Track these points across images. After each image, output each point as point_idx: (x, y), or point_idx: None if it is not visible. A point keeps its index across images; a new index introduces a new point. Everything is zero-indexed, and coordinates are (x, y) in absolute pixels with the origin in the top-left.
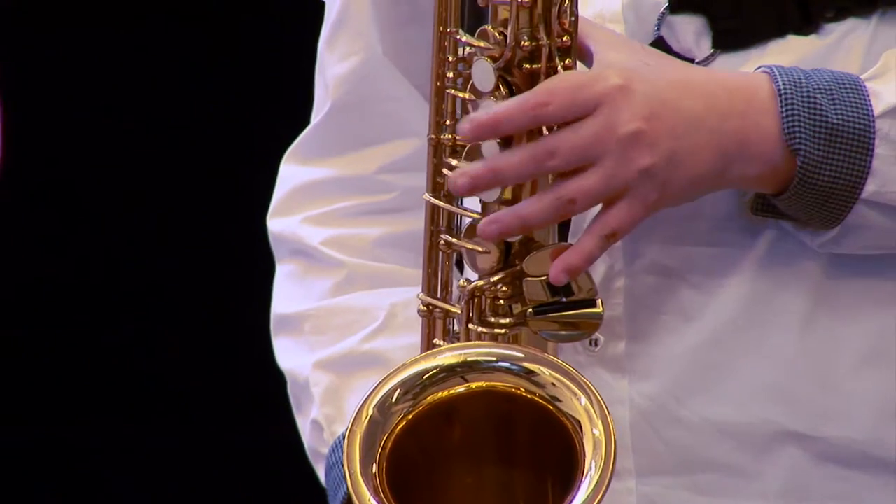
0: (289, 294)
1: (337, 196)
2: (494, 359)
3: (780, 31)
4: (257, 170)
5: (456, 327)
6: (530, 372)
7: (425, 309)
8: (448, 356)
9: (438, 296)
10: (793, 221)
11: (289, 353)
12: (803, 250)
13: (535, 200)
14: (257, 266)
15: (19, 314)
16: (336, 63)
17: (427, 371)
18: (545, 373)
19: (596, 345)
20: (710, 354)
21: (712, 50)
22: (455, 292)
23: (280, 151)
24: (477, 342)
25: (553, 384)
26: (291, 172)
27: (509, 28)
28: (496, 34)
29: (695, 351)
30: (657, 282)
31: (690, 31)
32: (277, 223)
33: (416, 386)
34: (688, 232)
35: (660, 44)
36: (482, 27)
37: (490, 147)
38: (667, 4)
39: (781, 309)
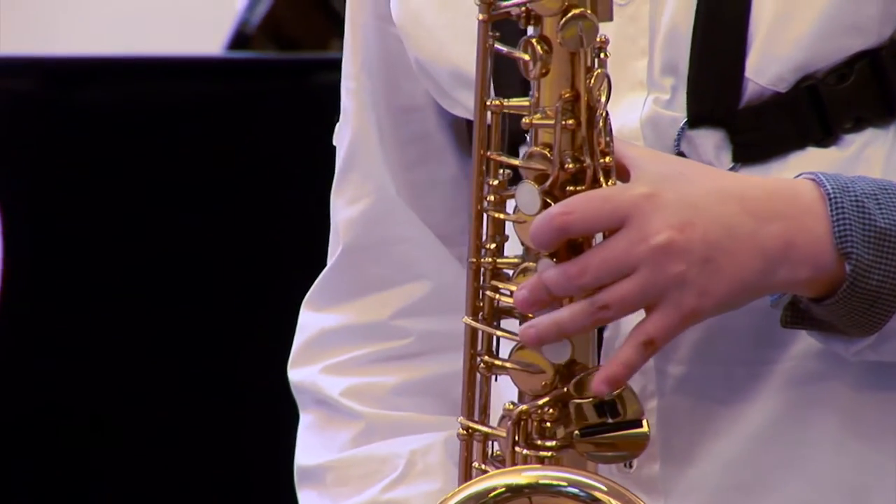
0: (311, 445)
1: (353, 344)
2: (566, 484)
3: (800, 144)
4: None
5: (496, 449)
6: (595, 499)
7: (465, 433)
8: (518, 476)
9: (478, 419)
10: (823, 330)
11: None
12: (831, 366)
13: (570, 307)
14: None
15: None
16: (345, 207)
17: (493, 489)
18: (611, 502)
19: (631, 466)
20: (744, 473)
21: (733, 163)
22: (492, 415)
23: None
24: (551, 467)
25: None
26: (308, 320)
27: (554, 150)
28: (546, 153)
29: (728, 470)
30: (688, 401)
31: (710, 144)
32: (298, 373)
33: (480, 502)
34: (716, 350)
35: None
36: (529, 149)
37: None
38: (685, 119)
39: (812, 425)
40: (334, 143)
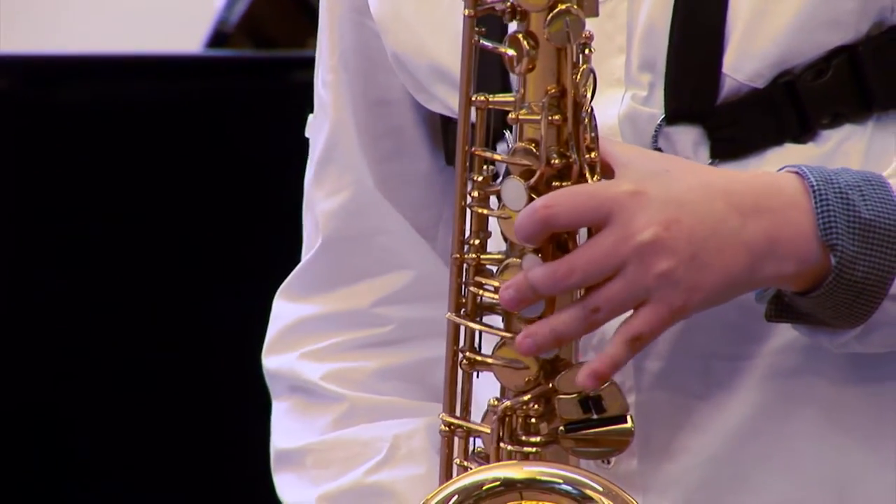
0: (289, 429)
1: (333, 331)
2: (560, 480)
3: (777, 140)
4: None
5: (477, 446)
6: (588, 498)
7: (447, 429)
8: (515, 470)
9: (460, 416)
10: (807, 323)
11: (292, 488)
12: (810, 359)
13: (564, 313)
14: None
15: None
16: (324, 199)
17: (486, 482)
18: (603, 501)
19: (609, 462)
20: (723, 468)
21: (711, 160)
22: (474, 413)
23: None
24: (541, 463)
25: None
26: (284, 309)
27: (541, 146)
28: (532, 149)
29: (707, 465)
30: (666, 396)
31: (688, 141)
32: (274, 360)
33: (472, 496)
34: (694, 345)
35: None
36: (514, 145)
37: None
38: (663, 115)
39: (792, 419)
40: (307, 135)
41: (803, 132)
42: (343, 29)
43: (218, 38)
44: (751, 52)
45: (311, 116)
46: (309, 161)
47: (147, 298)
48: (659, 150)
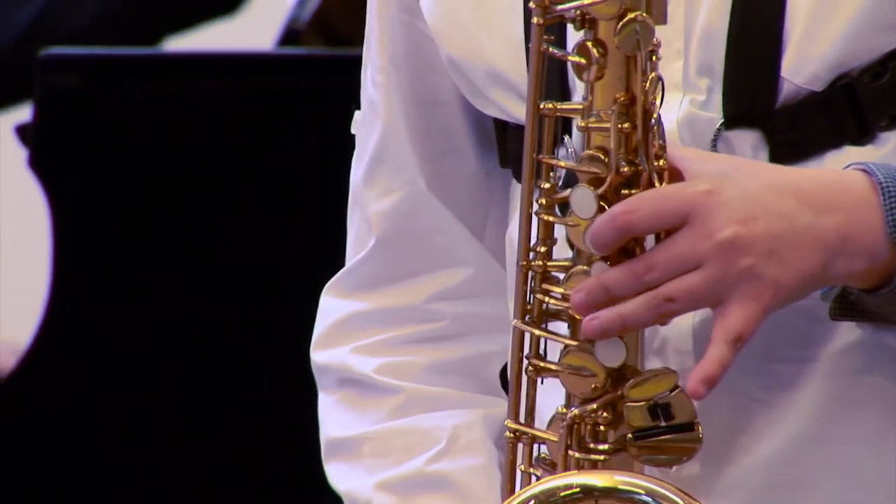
0: (341, 419)
1: (385, 326)
2: (643, 491)
3: (836, 143)
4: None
5: (542, 452)
6: None
7: (512, 435)
8: (597, 478)
9: (525, 422)
10: (874, 321)
11: (346, 476)
12: (870, 362)
13: (633, 301)
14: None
15: None
16: (377, 199)
17: (563, 488)
18: None
19: (671, 467)
20: (784, 472)
21: (770, 163)
22: (537, 419)
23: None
24: (625, 472)
25: None
26: (334, 305)
27: (611, 154)
28: (600, 156)
29: (768, 469)
30: (727, 400)
31: (747, 145)
32: (323, 354)
33: (548, 502)
34: (754, 348)
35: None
36: (583, 153)
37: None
38: (722, 120)
39: (852, 423)
40: (353, 132)
41: (862, 134)
42: (393, 30)
43: (290, 35)
44: (809, 55)
45: (357, 113)
46: (356, 158)
47: (207, 292)
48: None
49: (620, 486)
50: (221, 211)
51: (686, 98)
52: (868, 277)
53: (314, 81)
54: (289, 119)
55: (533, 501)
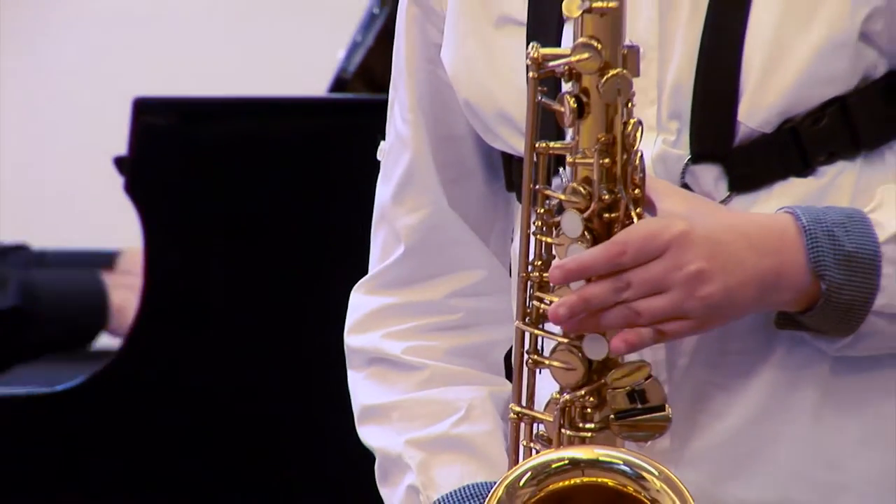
0: (372, 391)
1: (411, 317)
2: (620, 461)
3: (783, 175)
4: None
5: (539, 430)
6: (641, 477)
7: (515, 416)
8: (581, 452)
9: (525, 405)
10: (810, 332)
11: (378, 436)
12: (812, 355)
13: (614, 309)
14: None
15: None
16: (406, 215)
17: (554, 462)
18: (655, 481)
19: (646, 442)
20: (739, 446)
21: (728, 192)
22: (537, 402)
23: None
24: (605, 447)
25: (658, 490)
26: (364, 300)
27: (594, 185)
28: (581, 189)
29: (727, 444)
30: (693, 386)
31: (710, 177)
32: (357, 339)
33: (542, 474)
34: (718, 345)
35: (685, 189)
36: (570, 184)
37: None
38: (689, 156)
39: (795, 405)
40: (378, 158)
41: (804, 168)
42: (419, 77)
43: (339, 83)
44: (761, 104)
45: (382, 143)
46: (382, 181)
47: (283, 305)
48: (686, 185)
49: (601, 458)
50: (282, 224)
51: (659, 138)
52: (797, 304)
53: (359, 120)
54: (337, 151)
55: (530, 472)
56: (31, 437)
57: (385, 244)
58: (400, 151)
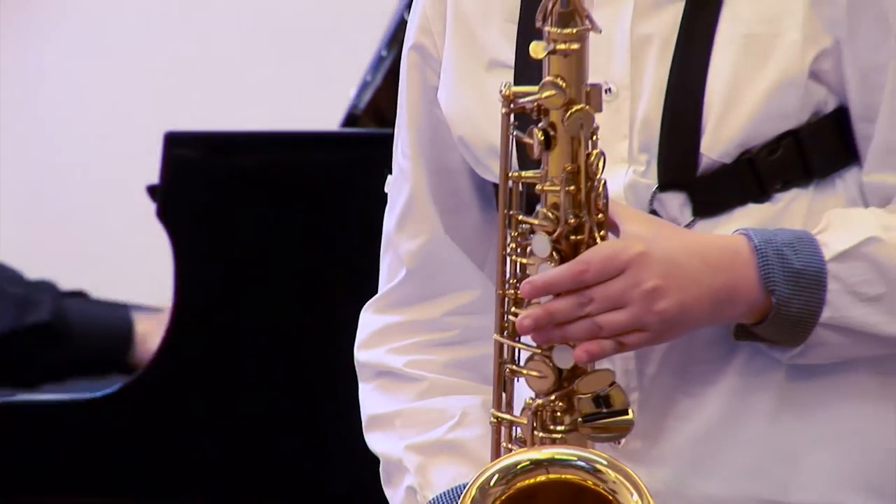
0: (378, 401)
1: (412, 333)
2: (575, 458)
3: (742, 201)
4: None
5: (518, 433)
6: (598, 470)
7: (495, 420)
8: (540, 453)
9: (504, 410)
10: (765, 342)
11: (382, 442)
12: (768, 364)
13: (578, 322)
14: None
15: None
16: (407, 241)
17: (520, 463)
18: (609, 473)
19: (619, 444)
20: (703, 446)
21: (693, 217)
22: (515, 407)
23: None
24: (561, 445)
25: (614, 481)
26: (372, 319)
27: (561, 209)
28: (549, 214)
29: (692, 444)
30: (661, 394)
31: (676, 204)
32: (364, 353)
33: (510, 474)
34: (683, 355)
35: (653, 214)
36: (538, 209)
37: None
38: (657, 185)
39: (754, 409)
40: (386, 191)
41: (761, 195)
42: (419, 115)
43: (350, 119)
44: (721, 138)
45: (389, 177)
46: (388, 211)
47: (299, 309)
48: (654, 211)
49: (557, 457)
50: (299, 247)
51: (630, 168)
52: (750, 317)
53: (369, 152)
54: (349, 181)
55: (498, 474)
56: (69, 441)
57: (390, 268)
58: (401, 184)
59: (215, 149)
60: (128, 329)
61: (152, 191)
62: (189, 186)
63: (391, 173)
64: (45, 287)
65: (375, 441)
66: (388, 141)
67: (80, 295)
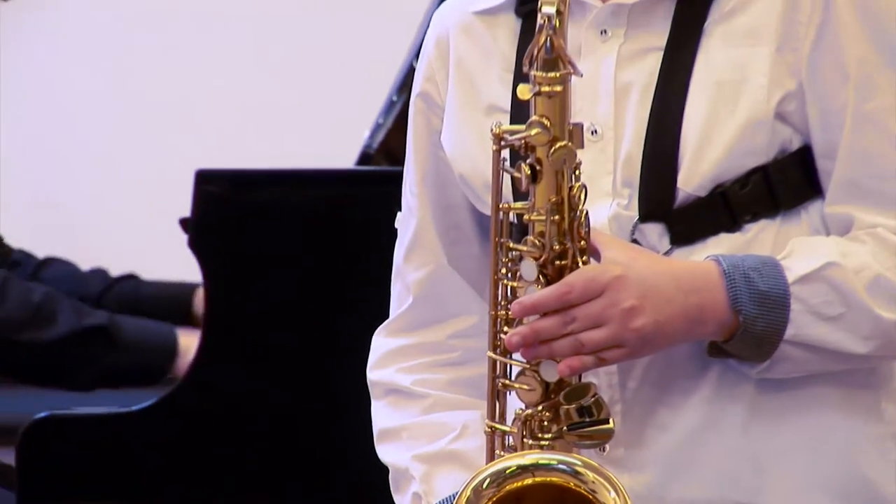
0: (388, 416)
1: (419, 355)
2: (556, 462)
3: (715, 231)
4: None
5: (510, 441)
6: (578, 473)
7: (489, 430)
8: (525, 459)
9: (497, 421)
10: (736, 358)
11: (391, 453)
12: (740, 378)
13: (562, 339)
14: None
15: None
16: (414, 271)
17: (508, 468)
18: (589, 474)
19: (605, 451)
20: (681, 454)
21: (670, 246)
22: (508, 418)
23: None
24: (544, 451)
25: (593, 481)
26: (383, 342)
27: (546, 237)
28: (536, 241)
29: (671, 452)
30: (642, 406)
31: (655, 234)
32: (376, 373)
33: (500, 478)
34: (662, 371)
35: (635, 243)
36: (526, 237)
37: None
38: (638, 217)
39: (727, 420)
40: (396, 226)
41: (733, 225)
42: (425, 157)
43: (364, 158)
44: (696, 174)
45: (399, 214)
46: (398, 244)
47: (322, 348)
48: (635, 240)
49: (540, 462)
50: (319, 274)
51: (614, 202)
52: (720, 334)
53: (382, 189)
54: (364, 214)
55: (489, 478)
56: (110, 451)
57: (399, 295)
58: (409, 219)
59: (241, 185)
60: (173, 341)
61: (185, 223)
62: (218, 218)
63: (400, 210)
64: (99, 274)
65: (385, 452)
66: (399, 178)
67: (131, 277)
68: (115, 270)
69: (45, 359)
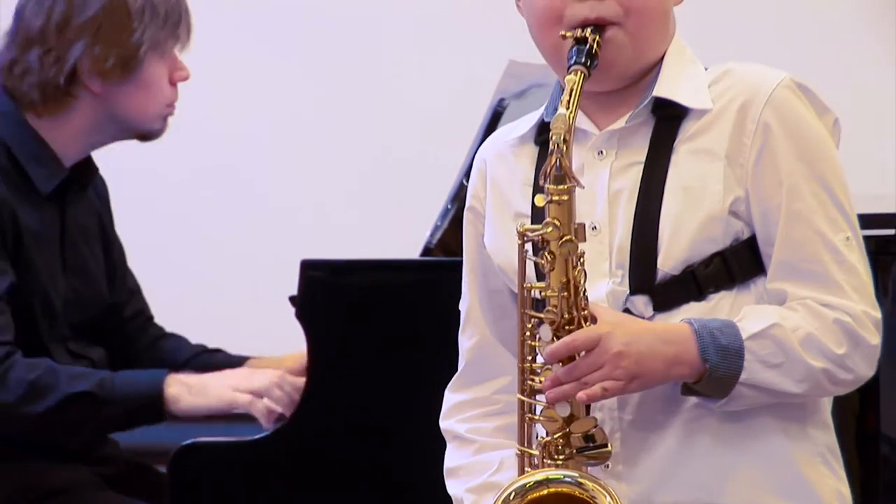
0: (451, 457)
1: (472, 407)
2: (563, 476)
3: (686, 300)
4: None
5: (535, 461)
6: (581, 483)
7: (519, 453)
8: (540, 475)
9: (525, 446)
10: (703, 396)
11: (452, 486)
12: (707, 412)
13: (570, 385)
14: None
15: None
16: (466, 341)
17: (529, 482)
18: (589, 484)
19: (608, 467)
20: (665, 469)
21: (653, 312)
22: (534, 443)
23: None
24: (553, 469)
25: (592, 490)
26: (449, 397)
27: (558, 308)
28: (551, 311)
29: (657, 468)
30: (634, 432)
31: (641, 304)
32: (445, 423)
33: (522, 490)
34: (649, 407)
35: (626, 312)
36: (544, 308)
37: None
38: (628, 292)
39: (698, 443)
40: (460, 308)
41: (699, 296)
42: (474, 255)
43: (425, 252)
44: (671, 257)
45: (462, 299)
46: (461, 321)
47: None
48: (627, 309)
49: (550, 476)
50: (402, 345)
51: (610, 281)
52: (692, 378)
53: (441, 277)
54: (436, 298)
55: (513, 493)
56: (229, 479)
57: (461, 360)
58: (463, 301)
59: (337, 271)
60: (158, 392)
61: (293, 300)
62: (320, 298)
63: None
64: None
65: (449, 486)
66: (456, 267)
67: (217, 351)
68: (237, 339)
69: (39, 430)
